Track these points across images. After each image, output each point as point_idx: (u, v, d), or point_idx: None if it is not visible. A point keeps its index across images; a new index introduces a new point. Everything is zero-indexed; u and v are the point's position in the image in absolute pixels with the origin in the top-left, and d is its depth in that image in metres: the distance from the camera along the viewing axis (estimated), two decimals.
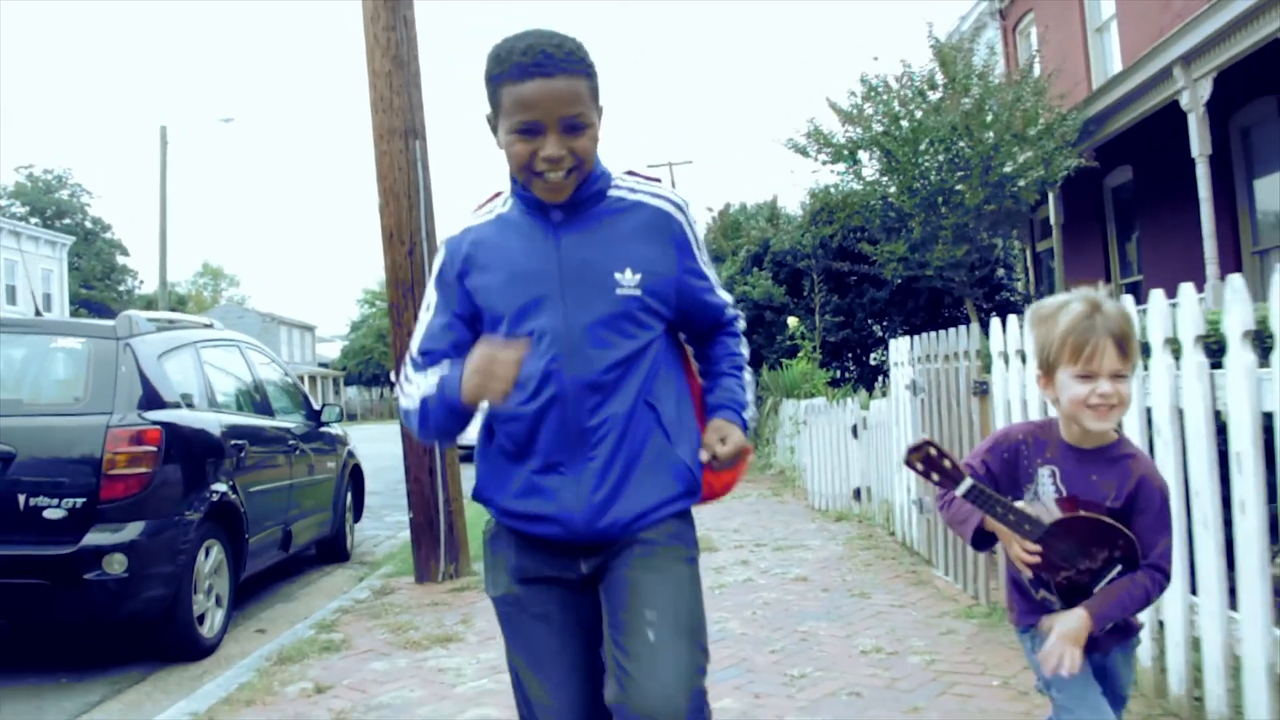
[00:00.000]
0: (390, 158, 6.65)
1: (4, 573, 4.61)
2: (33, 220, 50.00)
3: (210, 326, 6.65)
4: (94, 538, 4.68)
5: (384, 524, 10.43)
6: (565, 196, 1.90)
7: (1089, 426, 1.93)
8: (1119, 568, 1.95)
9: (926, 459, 1.92)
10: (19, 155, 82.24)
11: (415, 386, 1.99)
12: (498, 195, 2.06)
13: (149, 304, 57.52)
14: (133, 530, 4.76)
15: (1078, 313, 1.91)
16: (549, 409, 1.91)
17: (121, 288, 59.20)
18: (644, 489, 1.93)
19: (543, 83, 1.82)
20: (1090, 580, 1.96)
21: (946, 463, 1.91)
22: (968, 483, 1.90)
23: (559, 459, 1.92)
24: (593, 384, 1.90)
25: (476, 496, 2.06)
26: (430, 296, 2.06)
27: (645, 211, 1.98)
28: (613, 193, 1.98)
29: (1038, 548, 1.92)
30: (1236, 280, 2.82)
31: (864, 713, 3.43)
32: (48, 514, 4.68)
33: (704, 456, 1.95)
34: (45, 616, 4.95)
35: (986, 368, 4.60)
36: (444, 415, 1.91)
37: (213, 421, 5.68)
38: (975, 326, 4.64)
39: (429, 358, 2.00)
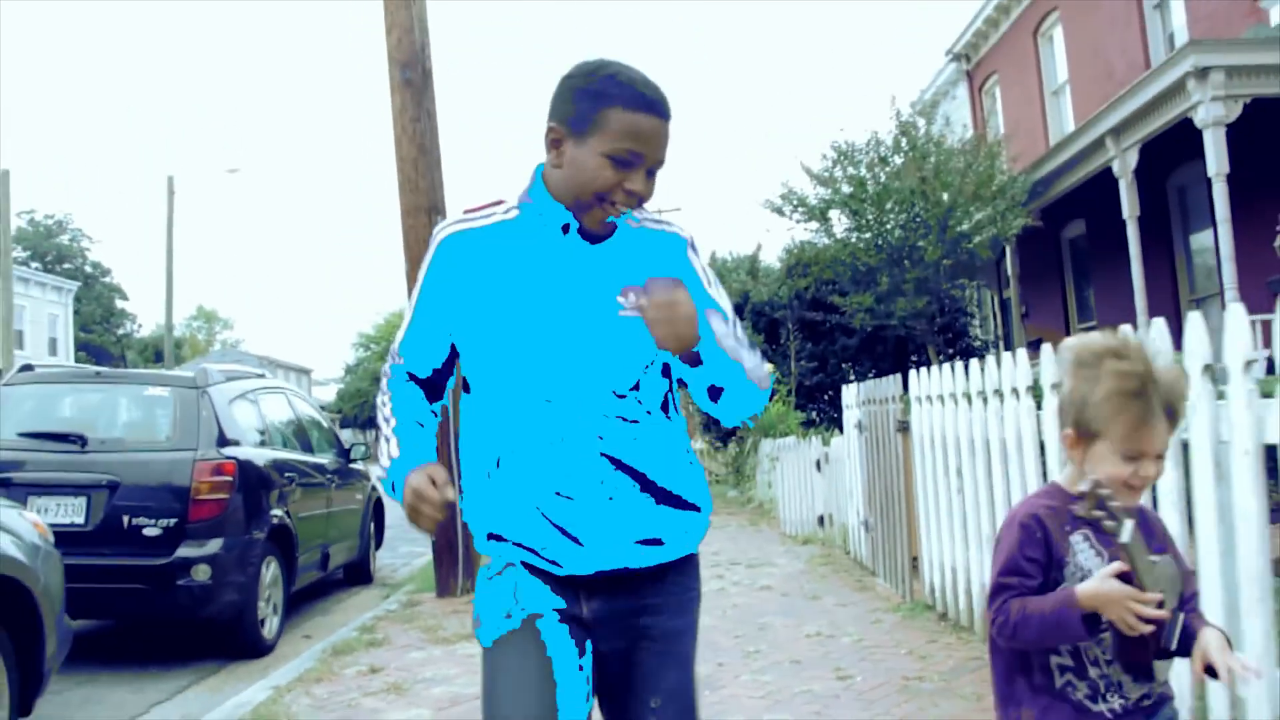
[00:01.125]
0: (416, 231, 7.77)
1: (113, 579, 5.65)
2: (33, 265, 51.02)
3: (262, 377, 7.75)
4: (184, 551, 5.72)
5: (398, 554, 11.43)
6: (608, 229, 1.91)
7: (1123, 502, 1.71)
8: (1181, 614, 1.75)
9: (1099, 502, 1.68)
10: (20, 200, 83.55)
11: (387, 422, 2.00)
12: (498, 203, 1.99)
13: (146, 348, 58.58)
14: (214, 545, 5.80)
15: (1131, 382, 1.70)
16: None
17: (120, 331, 60.19)
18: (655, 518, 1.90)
19: (658, 121, 1.84)
20: (1156, 633, 1.72)
21: (1114, 504, 1.68)
22: (1129, 524, 1.66)
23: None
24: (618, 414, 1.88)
25: (485, 534, 1.95)
26: (415, 295, 2.03)
27: (658, 239, 1.95)
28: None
29: (1159, 596, 1.68)
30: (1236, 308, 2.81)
31: (802, 672, 4.51)
32: (146, 531, 5.73)
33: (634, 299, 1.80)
34: (144, 615, 6.02)
35: (908, 409, 5.72)
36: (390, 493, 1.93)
37: (270, 457, 6.74)
38: (897, 376, 5.76)
39: (401, 371, 2.05)
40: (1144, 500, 1.89)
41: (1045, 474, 3.89)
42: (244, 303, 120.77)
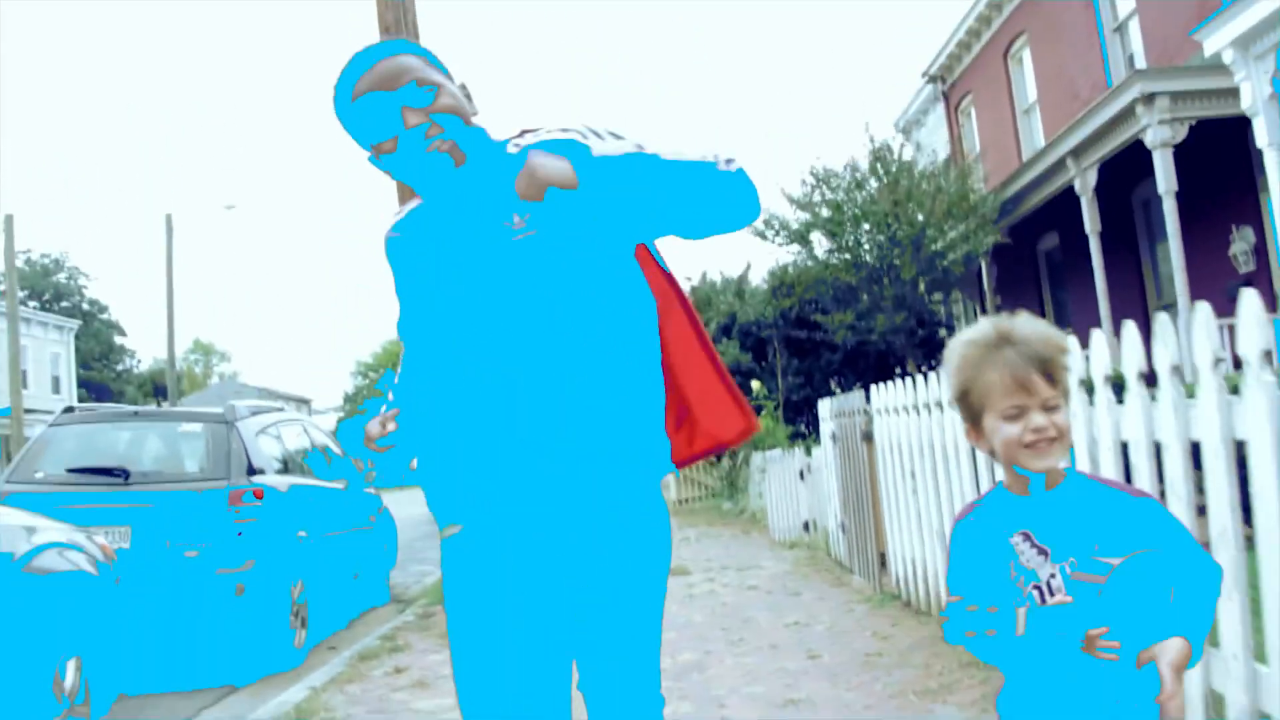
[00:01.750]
0: None
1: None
2: (31, 304, 51.59)
3: (282, 410, 8.36)
4: (221, 571, 6.33)
5: (409, 573, 11.99)
6: (462, 161, 1.80)
7: (1032, 467, 1.66)
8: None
9: None
10: (16, 239, 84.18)
11: None
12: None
13: (145, 382, 59.11)
14: (247, 566, 6.41)
15: (988, 351, 1.67)
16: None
17: (120, 367, 60.77)
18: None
19: (367, 76, 1.79)
20: None
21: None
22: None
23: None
24: None
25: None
26: None
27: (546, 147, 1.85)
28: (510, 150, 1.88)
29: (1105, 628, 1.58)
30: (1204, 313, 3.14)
31: (778, 654, 5.12)
32: (185, 554, 6.34)
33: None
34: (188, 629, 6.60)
35: (872, 421, 6.34)
36: None
37: (293, 483, 7.35)
38: (862, 391, 6.38)
39: None
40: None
41: (977, 474, 4.52)
42: (241, 335, 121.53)
